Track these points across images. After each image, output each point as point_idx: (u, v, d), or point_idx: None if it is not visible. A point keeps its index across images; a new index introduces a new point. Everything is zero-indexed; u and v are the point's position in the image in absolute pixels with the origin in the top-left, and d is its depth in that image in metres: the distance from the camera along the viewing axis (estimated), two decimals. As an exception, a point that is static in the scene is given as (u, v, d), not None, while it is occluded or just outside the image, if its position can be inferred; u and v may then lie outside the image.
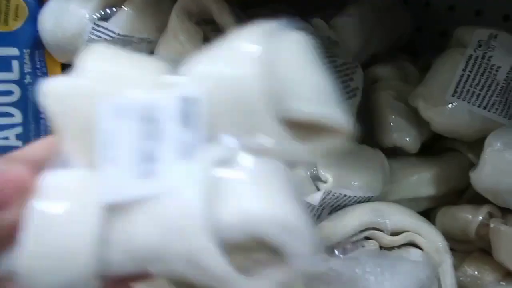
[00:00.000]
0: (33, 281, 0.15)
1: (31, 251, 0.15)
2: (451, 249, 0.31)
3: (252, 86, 0.15)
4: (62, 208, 0.15)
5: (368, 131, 0.39)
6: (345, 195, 0.32)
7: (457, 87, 0.32)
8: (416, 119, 0.36)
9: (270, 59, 0.15)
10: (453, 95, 0.32)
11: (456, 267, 0.32)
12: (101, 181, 0.15)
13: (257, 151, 0.15)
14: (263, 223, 0.14)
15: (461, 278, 0.33)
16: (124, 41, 0.39)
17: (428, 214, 0.36)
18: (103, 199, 0.15)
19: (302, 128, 0.16)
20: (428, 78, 0.34)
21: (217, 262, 0.14)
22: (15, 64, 0.39)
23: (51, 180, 0.16)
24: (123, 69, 0.17)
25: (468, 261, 0.34)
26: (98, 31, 0.38)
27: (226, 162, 0.15)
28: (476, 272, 0.33)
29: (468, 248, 0.34)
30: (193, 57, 0.17)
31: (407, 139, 0.36)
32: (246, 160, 0.15)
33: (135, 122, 0.15)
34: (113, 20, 0.38)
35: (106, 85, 0.16)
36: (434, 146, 0.39)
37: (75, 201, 0.15)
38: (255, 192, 0.14)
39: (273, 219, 0.14)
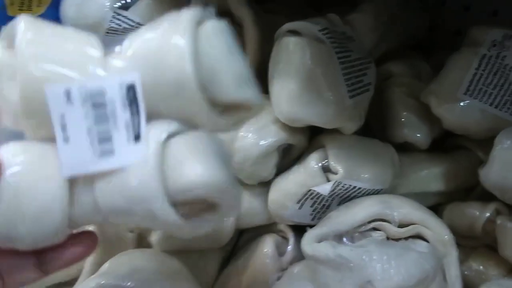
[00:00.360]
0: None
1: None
2: (458, 244, 0.31)
3: (184, 75, 0.18)
4: (32, 180, 0.19)
5: (380, 126, 0.39)
6: (354, 187, 0.32)
7: (469, 85, 0.32)
8: (428, 116, 0.36)
9: (196, 51, 0.18)
10: (465, 93, 0.32)
11: (462, 261, 0.33)
12: (64, 157, 0.19)
13: (191, 127, 0.19)
14: (201, 187, 0.18)
15: (466, 273, 0.33)
16: (143, 30, 0.40)
17: (436, 210, 0.37)
18: (67, 173, 0.19)
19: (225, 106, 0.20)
20: (441, 76, 0.34)
21: (169, 217, 0.18)
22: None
23: (13, 152, 0.19)
24: (58, 41, 0.20)
25: (474, 256, 0.34)
26: (118, 19, 0.39)
27: (168, 137, 0.19)
28: (481, 267, 0.33)
29: (474, 243, 0.35)
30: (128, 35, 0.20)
31: (418, 135, 0.36)
32: (182, 136, 0.19)
33: (87, 107, 0.18)
34: (133, 9, 0.39)
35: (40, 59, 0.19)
36: (445, 144, 0.39)
37: (43, 174, 0.19)
38: (192, 161, 0.18)
39: (208, 183, 0.18)
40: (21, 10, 0.38)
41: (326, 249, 0.27)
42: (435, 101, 0.33)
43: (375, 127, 0.40)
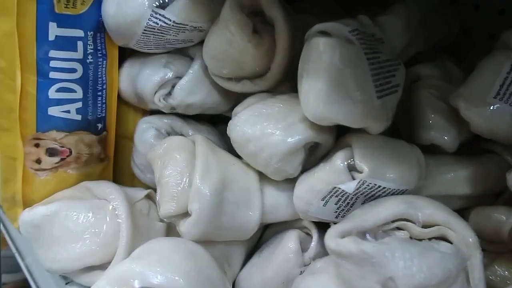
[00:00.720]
0: None
1: None
2: (483, 249, 0.31)
3: None
4: None
5: (407, 128, 0.39)
6: (379, 186, 0.33)
7: (500, 89, 0.32)
8: (456, 119, 0.36)
9: None
10: (495, 97, 0.32)
11: (486, 266, 0.33)
12: None
13: None
14: None
15: (490, 277, 0.33)
16: (178, 29, 0.42)
17: (462, 214, 0.36)
18: None
19: None
20: (471, 79, 0.34)
21: None
22: (79, 44, 0.42)
23: None
24: None
25: (499, 261, 0.34)
26: (156, 17, 0.41)
27: None
28: (506, 273, 0.33)
29: (500, 249, 0.35)
30: None
31: (446, 137, 0.36)
32: None
33: None
34: (169, 8, 0.41)
35: None
36: (472, 147, 0.39)
37: None
38: None
39: None
40: (66, 8, 0.41)
41: (349, 244, 0.27)
42: (464, 104, 0.33)
43: (402, 129, 0.40)
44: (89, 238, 0.40)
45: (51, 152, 0.44)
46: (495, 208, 0.34)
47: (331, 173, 0.34)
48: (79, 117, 0.44)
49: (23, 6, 0.39)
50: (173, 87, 0.46)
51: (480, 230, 0.34)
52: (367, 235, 0.29)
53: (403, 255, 0.26)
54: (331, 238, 0.29)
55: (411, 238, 0.30)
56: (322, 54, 0.31)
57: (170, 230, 0.43)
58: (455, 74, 0.41)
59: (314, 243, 0.38)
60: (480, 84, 0.33)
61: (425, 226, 0.31)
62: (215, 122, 0.52)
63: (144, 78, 0.46)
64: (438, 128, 0.36)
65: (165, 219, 0.39)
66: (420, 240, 0.30)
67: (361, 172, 0.33)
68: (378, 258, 0.26)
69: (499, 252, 0.35)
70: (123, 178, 0.52)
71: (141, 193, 0.45)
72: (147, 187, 0.48)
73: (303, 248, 0.39)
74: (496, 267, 0.34)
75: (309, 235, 0.40)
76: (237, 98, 0.47)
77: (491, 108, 0.33)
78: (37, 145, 0.43)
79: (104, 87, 0.46)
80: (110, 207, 0.41)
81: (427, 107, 0.37)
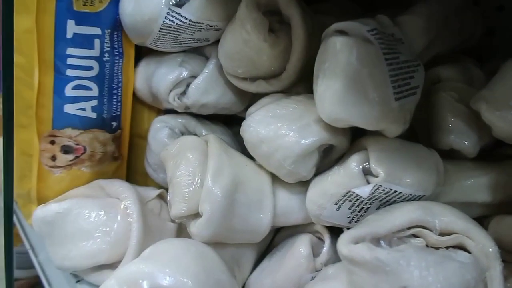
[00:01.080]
0: None
1: None
2: (502, 260, 0.30)
3: None
4: None
5: (425, 132, 0.38)
6: (395, 191, 0.32)
7: (524, 93, 0.31)
8: (477, 123, 0.35)
9: None
10: (519, 101, 0.31)
11: (506, 277, 0.31)
12: None
13: None
14: None
15: (510, 290, 0.32)
16: (194, 27, 0.42)
17: (481, 222, 0.35)
18: None
19: None
20: (494, 82, 0.33)
21: None
22: (96, 42, 0.43)
23: None
24: None
25: (520, 273, 0.32)
26: (172, 16, 0.41)
27: None
28: (527, 285, 0.32)
29: (521, 260, 0.33)
30: None
31: (466, 142, 0.35)
32: None
33: None
34: (186, 6, 0.41)
35: None
36: (493, 153, 0.38)
37: None
38: None
39: None
40: (85, 5, 0.41)
41: (362, 251, 0.27)
42: (486, 108, 0.32)
43: (420, 133, 0.39)
44: (100, 236, 0.40)
45: (66, 150, 0.44)
46: (517, 217, 0.33)
47: (346, 177, 0.33)
48: (94, 115, 0.44)
49: (43, 3, 0.40)
50: (188, 86, 0.46)
51: (499, 239, 0.32)
52: (382, 242, 0.28)
53: (419, 264, 0.25)
54: (344, 243, 0.28)
55: (427, 246, 0.29)
56: (339, 54, 0.30)
57: (181, 231, 0.43)
58: (477, 76, 0.39)
59: (326, 248, 0.38)
60: (503, 87, 0.32)
61: (442, 234, 0.30)
62: (229, 123, 0.52)
63: (160, 77, 0.46)
64: (458, 133, 0.35)
65: (176, 220, 0.39)
66: (437, 248, 0.29)
67: (376, 176, 0.32)
68: (393, 266, 0.25)
69: (520, 263, 0.33)
70: (137, 177, 0.52)
71: (153, 192, 0.44)
72: (159, 186, 0.48)
73: (315, 253, 0.38)
74: (517, 279, 0.32)
75: (321, 239, 0.39)
76: (251, 99, 0.47)
77: (514, 111, 0.31)
78: (52, 142, 0.43)
79: (120, 85, 0.46)
80: (122, 206, 0.41)
81: (447, 110, 0.36)
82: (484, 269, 0.27)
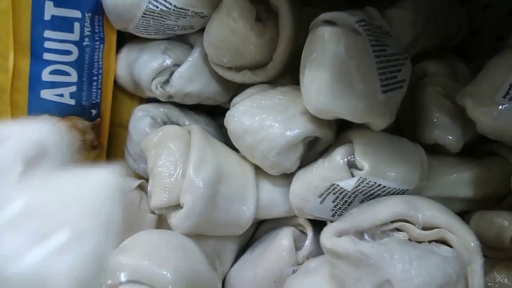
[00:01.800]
0: None
1: None
2: (483, 255, 0.30)
3: None
4: None
5: (410, 126, 0.38)
6: (379, 185, 0.32)
7: (509, 89, 0.31)
8: (462, 119, 0.35)
9: None
10: (504, 97, 0.31)
11: (486, 272, 0.32)
12: None
13: None
14: None
15: (489, 284, 0.32)
16: (178, 14, 0.41)
17: (463, 217, 0.35)
18: None
19: None
20: (479, 78, 0.33)
21: None
22: (76, 26, 0.41)
23: None
24: None
25: (499, 268, 0.33)
26: (156, 1, 0.39)
27: None
28: (506, 280, 0.32)
29: (500, 255, 0.33)
30: None
31: (450, 137, 0.35)
32: None
33: None
34: (170, -9, 0.40)
35: None
36: (477, 149, 0.38)
37: None
38: None
39: None
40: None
41: (346, 244, 0.26)
42: (471, 103, 0.32)
43: (405, 127, 0.39)
44: (77, 226, 0.38)
45: (42, 136, 0.42)
46: (497, 213, 0.33)
47: (330, 170, 0.33)
48: (72, 102, 0.43)
49: (19, -17, 0.38)
50: (171, 75, 0.44)
51: (480, 235, 0.32)
52: (365, 235, 0.27)
53: (402, 258, 0.25)
54: (327, 236, 0.28)
55: (410, 240, 0.29)
56: (327, 44, 0.29)
57: (161, 223, 0.42)
58: (463, 73, 0.39)
59: (308, 241, 0.37)
60: (489, 83, 0.32)
61: (425, 228, 0.30)
62: (212, 114, 0.51)
63: (142, 64, 0.45)
64: (443, 127, 0.35)
65: (156, 211, 0.38)
66: (420, 242, 0.29)
67: (361, 170, 0.32)
68: (376, 260, 0.25)
69: (499, 258, 0.33)
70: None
71: (133, 183, 0.43)
72: (140, 177, 0.47)
73: (297, 247, 0.38)
74: (496, 274, 0.33)
75: (303, 233, 0.39)
76: (236, 90, 0.46)
77: (499, 108, 0.31)
78: (27, 129, 0.42)
79: (100, 71, 0.45)
80: (101, 195, 0.40)
81: (432, 105, 0.36)
82: (466, 263, 0.27)
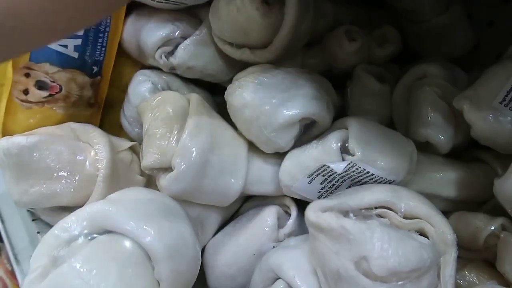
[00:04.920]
0: None
1: None
2: (457, 256, 0.31)
3: None
4: None
5: (403, 123, 0.39)
6: (368, 172, 0.33)
7: (506, 95, 0.32)
8: (455, 122, 0.36)
9: None
10: (500, 102, 0.32)
11: (457, 270, 0.33)
12: None
13: None
14: None
15: (459, 281, 0.33)
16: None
17: (442, 217, 0.37)
18: None
19: None
20: (478, 83, 0.34)
21: None
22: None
23: None
24: None
25: (470, 266, 0.34)
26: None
27: None
28: (475, 279, 0.33)
29: (473, 256, 0.35)
30: None
31: (441, 137, 0.36)
32: None
33: None
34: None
35: None
36: (464, 155, 0.39)
37: None
38: None
39: None
40: None
41: (329, 218, 0.27)
42: (468, 106, 0.33)
43: (398, 124, 0.40)
44: (65, 177, 0.38)
45: (40, 85, 0.42)
46: (475, 215, 0.34)
47: (323, 152, 0.34)
48: (75, 55, 0.43)
49: None
50: (176, 46, 0.45)
51: (457, 234, 0.33)
52: (350, 214, 0.28)
53: (382, 237, 0.26)
54: (313, 210, 0.28)
55: (391, 226, 0.30)
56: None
57: (150, 187, 0.42)
58: (462, 79, 0.41)
59: (292, 220, 0.38)
60: (486, 89, 0.33)
61: (406, 218, 0.31)
62: (212, 93, 0.51)
63: (149, 31, 0.45)
64: (436, 127, 0.36)
65: (146, 171, 0.38)
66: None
67: (353, 155, 0.33)
68: (357, 236, 0.26)
69: (471, 259, 0.35)
70: (110, 130, 0.50)
71: (126, 143, 0.43)
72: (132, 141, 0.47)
73: (280, 225, 0.38)
74: (466, 272, 0.34)
75: (287, 213, 0.40)
76: (238, 70, 0.47)
77: (495, 112, 0.32)
78: (27, 75, 0.42)
79: (107, 30, 0.45)
80: (92, 151, 0.40)
81: (428, 104, 0.37)
82: (440, 254, 0.28)
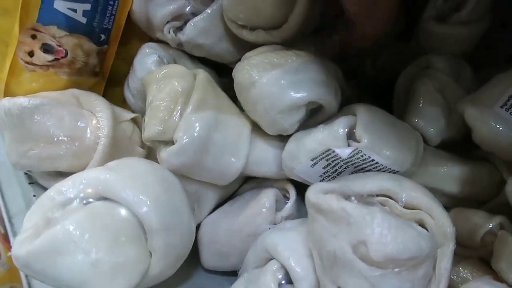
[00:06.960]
0: None
1: None
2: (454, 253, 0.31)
3: None
4: None
5: (401, 110, 0.39)
6: (372, 160, 0.32)
7: (508, 100, 0.32)
8: (448, 118, 0.36)
9: None
10: (502, 107, 0.32)
11: (452, 266, 0.33)
12: None
13: None
14: None
15: (453, 277, 0.33)
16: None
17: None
18: None
19: None
20: (482, 89, 0.34)
21: None
22: None
23: None
24: None
25: (464, 263, 0.34)
26: None
27: None
28: (469, 275, 0.33)
29: (469, 253, 0.35)
30: None
31: (431, 129, 0.36)
32: None
33: None
34: None
35: None
36: (471, 154, 0.39)
37: None
38: None
39: None
40: None
41: (331, 200, 0.27)
42: (470, 110, 0.33)
43: (397, 110, 0.40)
44: (65, 143, 0.38)
45: (46, 48, 0.41)
46: (474, 212, 0.34)
47: (329, 136, 0.33)
48: (84, 20, 0.42)
49: None
50: (185, 23, 0.44)
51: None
52: (352, 198, 0.28)
53: (382, 223, 0.26)
54: (314, 192, 0.28)
55: (391, 214, 0.30)
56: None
57: (151, 158, 0.42)
58: (466, 74, 0.40)
59: (290, 203, 0.38)
60: (490, 93, 0.33)
61: (406, 208, 0.30)
62: (218, 74, 0.51)
63: (160, 4, 0.44)
64: (427, 119, 0.37)
65: (147, 143, 0.37)
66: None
67: (359, 142, 0.32)
68: (357, 219, 0.26)
69: (466, 256, 0.35)
70: (113, 100, 0.50)
71: (128, 114, 0.43)
72: (135, 114, 0.46)
73: (277, 208, 0.38)
74: (461, 268, 0.34)
75: (286, 197, 0.40)
76: (247, 51, 0.46)
77: (496, 116, 0.32)
78: (33, 37, 0.41)
79: (118, -2, 0.44)
80: (94, 119, 0.40)
81: (425, 96, 0.37)
82: (438, 246, 0.28)
